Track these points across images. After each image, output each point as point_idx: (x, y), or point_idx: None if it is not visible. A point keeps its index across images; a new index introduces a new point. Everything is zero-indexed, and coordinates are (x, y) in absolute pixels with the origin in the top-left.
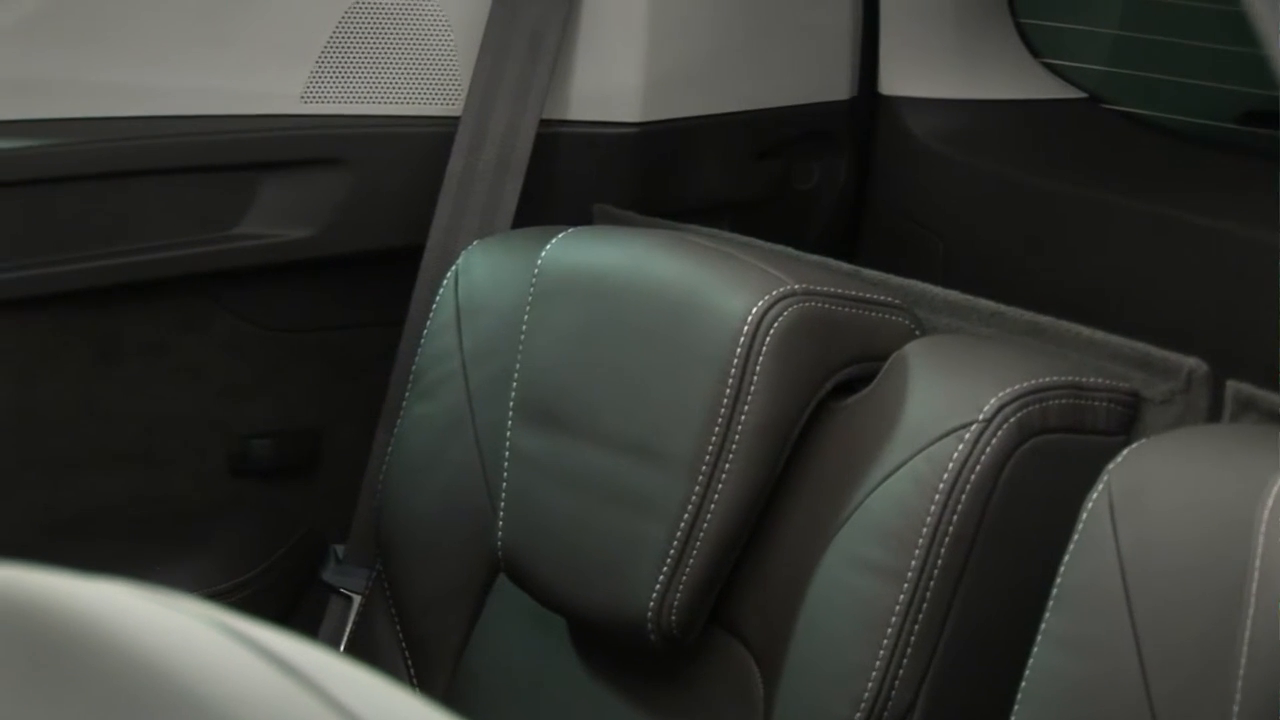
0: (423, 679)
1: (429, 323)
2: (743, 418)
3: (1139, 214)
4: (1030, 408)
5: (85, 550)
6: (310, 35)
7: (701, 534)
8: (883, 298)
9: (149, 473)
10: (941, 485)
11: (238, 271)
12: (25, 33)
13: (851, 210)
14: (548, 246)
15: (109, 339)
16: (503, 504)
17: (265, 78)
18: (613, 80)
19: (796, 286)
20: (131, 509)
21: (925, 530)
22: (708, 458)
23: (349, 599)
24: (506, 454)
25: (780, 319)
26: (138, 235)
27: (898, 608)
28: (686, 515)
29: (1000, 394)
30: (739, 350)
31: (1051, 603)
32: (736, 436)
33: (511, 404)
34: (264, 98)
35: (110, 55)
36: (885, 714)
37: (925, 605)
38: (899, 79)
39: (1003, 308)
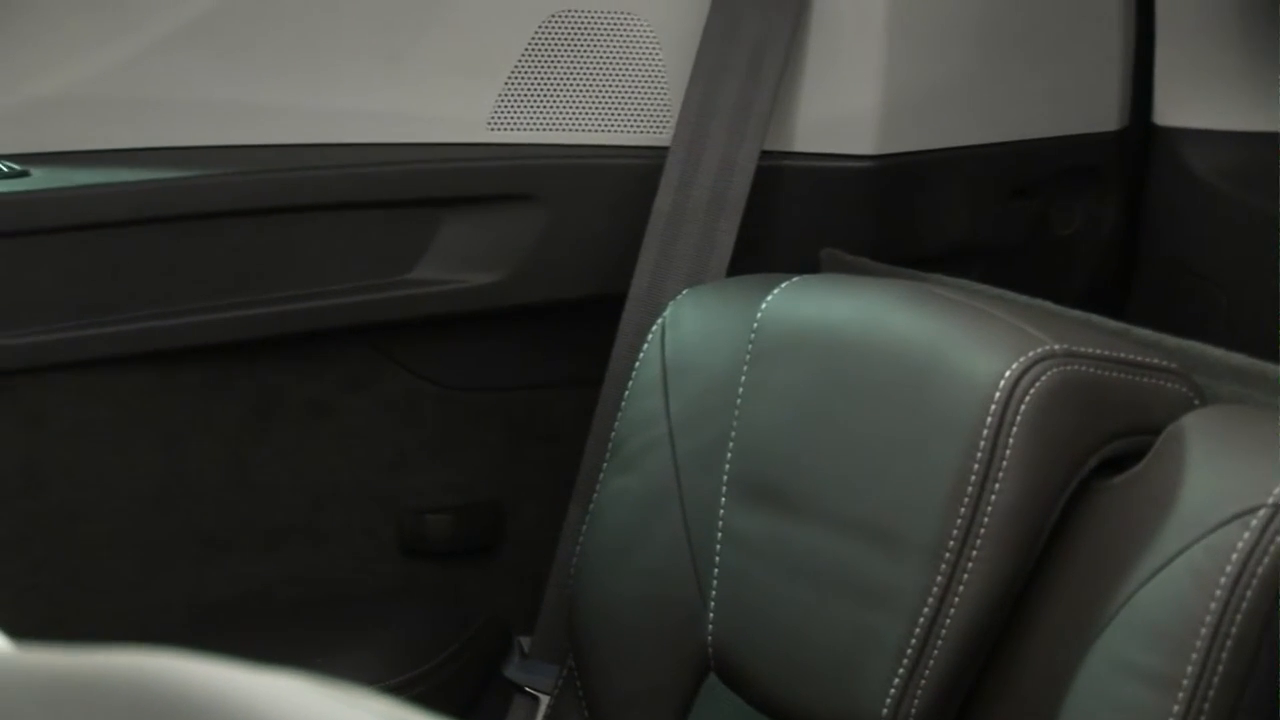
0: None
1: (631, 383)
2: (993, 497)
3: None
4: None
5: (237, 638)
6: (498, 53)
7: (944, 630)
8: (1156, 361)
9: (309, 551)
10: (1223, 580)
11: (413, 322)
12: (178, 47)
13: (1120, 258)
14: (768, 297)
15: (266, 398)
16: (714, 593)
17: (447, 101)
18: (845, 106)
19: (1056, 347)
20: (289, 592)
21: (1204, 631)
22: (952, 543)
23: (536, 699)
24: (719, 535)
25: (1037, 384)
26: (301, 280)
27: None
28: (927, 609)
29: None
30: (989, 420)
31: None
32: (985, 519)
33: (725, 477)
34: (445, 124)
35: (273, 74)
36: None
37: (1203, 718)
38: (1177, 108)
39: None
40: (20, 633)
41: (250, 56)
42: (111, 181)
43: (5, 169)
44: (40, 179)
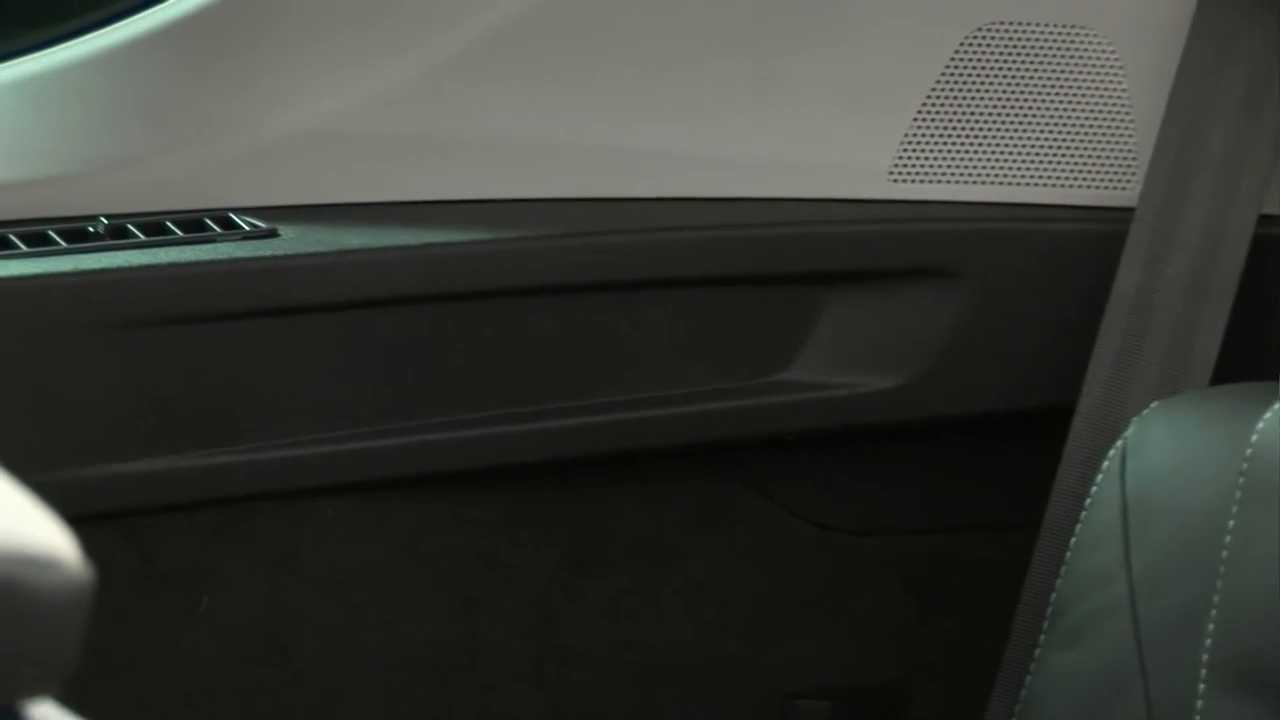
0: None
1: (1079, 526)
2: None
3: None
4: None
5: None
6: (905, 79)
7: None
8: None
9: None
10: None
11: (784, 439)
12: (466, 70)
13: None
14: (1268, 414)
15: (585, 539)
16: None
17: (834, 143)
18: None
19: None
20: None
21: None
22: None
23: None
24: None
25: None
26: (633, 381)
27: None
28: None
29: None
30: None
31: None
32: None
33: (1205, 655)
34: (831, 174)
35: (594, 104)
36: None
37: None
38: None
39: None
40: None
41: (563, 81)
42: (384, 245)
43: (246, 226)
44: (292, 241)
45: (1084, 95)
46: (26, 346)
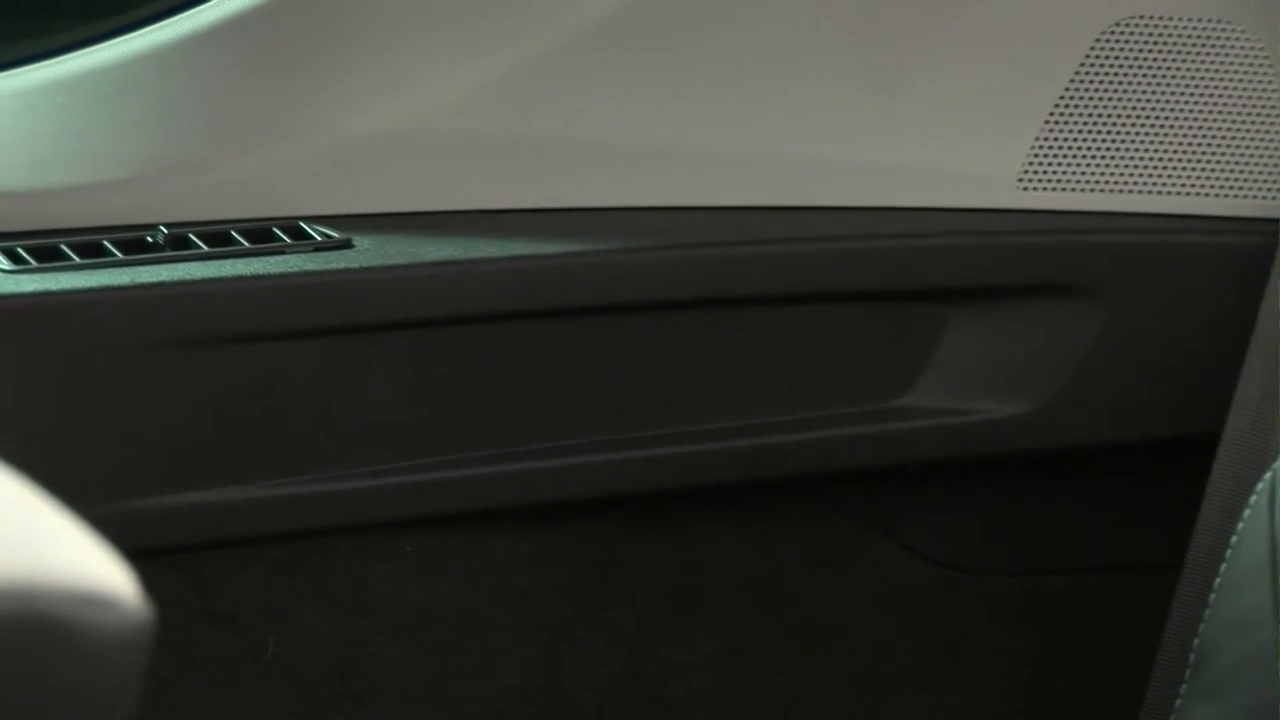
0: None
1: (1224, 566)
2: None
3: None
4: None
5: None
6: (1036, 79)
7: None
8: None
9: None
10: None
11: (902, 471)
12: (561, 66)
13: None
14: None
15: (688, 577)
16: None
17: (959, 148)
18: None
19: None
20: None
21: None
22: None
23: None
24: None
25: None
26: (738, 405)
27: None
28: None
29: None
30: None
31: None
32: None
33: None
34: (955, 181)
35: (702, 106)
36: None
37: None
38: None
39: None
40: None
41: (662, 81)
42: (467, 258)
43: (318, 237)
44: (368, 252)
45: (1230, 96)
46: (79, 367)
